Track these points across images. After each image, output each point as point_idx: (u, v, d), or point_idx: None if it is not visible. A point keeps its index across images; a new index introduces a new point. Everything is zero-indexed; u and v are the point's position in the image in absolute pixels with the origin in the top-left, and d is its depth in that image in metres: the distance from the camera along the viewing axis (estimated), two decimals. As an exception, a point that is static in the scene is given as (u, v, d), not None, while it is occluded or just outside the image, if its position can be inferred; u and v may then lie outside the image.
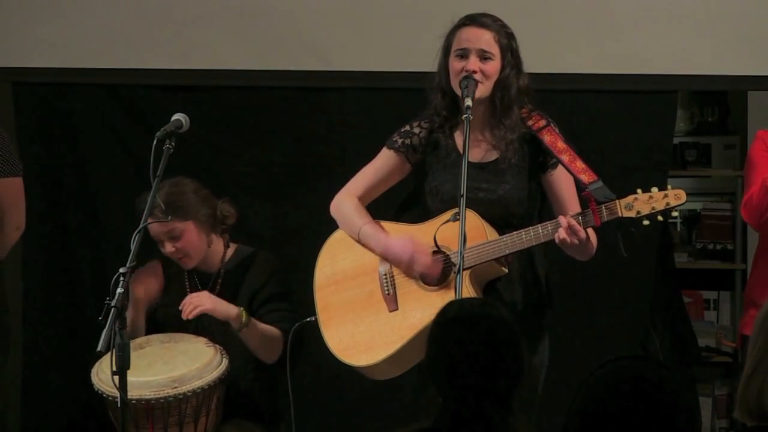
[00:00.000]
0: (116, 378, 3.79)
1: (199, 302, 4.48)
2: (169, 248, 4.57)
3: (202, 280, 4.67)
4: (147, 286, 4.62)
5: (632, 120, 5.36)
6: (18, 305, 5.63)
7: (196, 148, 5.16)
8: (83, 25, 5.47)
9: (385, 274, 4.29)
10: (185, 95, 5.38)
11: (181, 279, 4.69)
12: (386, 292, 4.29)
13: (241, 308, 4.50)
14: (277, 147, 5.51)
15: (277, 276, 4.64)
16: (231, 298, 4.56)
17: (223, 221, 4.66)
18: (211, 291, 4.61)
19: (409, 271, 4.24)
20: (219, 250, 4.68)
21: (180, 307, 4.50)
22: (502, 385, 3.11)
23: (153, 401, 4.27)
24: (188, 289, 4.66)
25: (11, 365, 5.58)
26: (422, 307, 4.20)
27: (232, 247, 4.71)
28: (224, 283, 4.64)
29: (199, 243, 4.60)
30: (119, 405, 3.84)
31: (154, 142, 4.08)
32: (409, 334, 4.20)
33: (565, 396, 2.94)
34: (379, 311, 4.28)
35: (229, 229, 4.71)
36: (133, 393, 4.16)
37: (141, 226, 3.98)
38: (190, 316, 4.47)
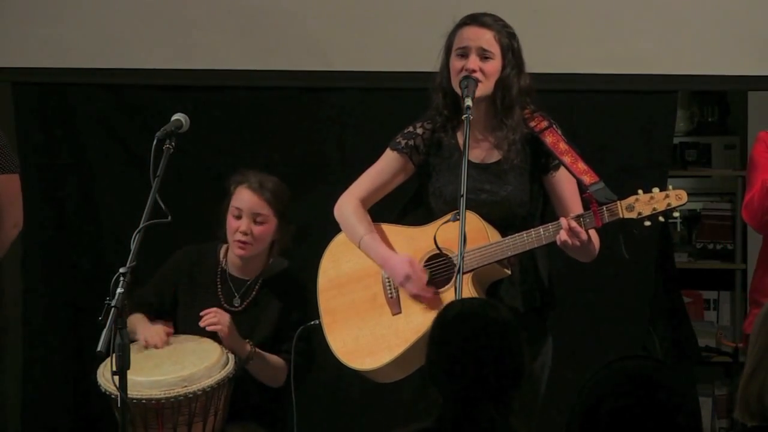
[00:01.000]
0: (116, 378, 3.79)
1: (220, 322, 4.46)
2: (244, 226, 4.50)
3: (237, 285, 4.63)
4: (157, 341, 4.50)
5: (632, 120, 5.36)
6: (18, 305, 5.64)
7: (196, 148, 5.16)
8: (83, 25, 5.48)
9: (389, 278, 4.29)
10: (185, 95, 5.38)
11: (213, 282, 4.64)
12: (389, 296, 4.29)
13: (251, 345, 4.50)
14: (277, 147, 5.50)
15: (308, 300, 4.56)
16: (260, 312, 4.56)
17: (282, 242, 4.63)
18: (244, 298, 4.59)
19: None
20: (263, 259, 4.63)
21: (201, 314, 4.48)
22: (502, 385, 3.11)
23: (163, 401, 4.27)
24: (219, 293, 4.62)
25: (11, 365, 5.59)
26: (425, 310, 4.20)
27: (270, 259, 4.67)
28: (260, 293, 4.61)
29: (266, 242, 4.57)
30: (120, 405, 3.84)
31: (154, 142, 4.08)
32: (412, 337, 4.20)
33: (566, 396, 2.94)
34: (382, 314, 4.28)
35: (276, 249, 4.66)
36: (143, 393, 4.19)
37: (141, 226, 3.98)
38: (208, 329, 4.46)
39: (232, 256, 4.62)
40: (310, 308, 4.49)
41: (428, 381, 3.19)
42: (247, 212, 4.52)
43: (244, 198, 4.53)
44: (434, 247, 4.18)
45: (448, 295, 4.17)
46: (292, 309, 4.58)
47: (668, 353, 5.73)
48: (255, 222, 4.53)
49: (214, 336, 4.51)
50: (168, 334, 4.51)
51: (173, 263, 4.68)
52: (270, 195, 4.53)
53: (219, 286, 4.63)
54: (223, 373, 4.38)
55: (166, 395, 4.28)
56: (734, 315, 6.37)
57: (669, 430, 2.69)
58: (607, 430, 2.70)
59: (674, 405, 2.71)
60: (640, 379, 2.73)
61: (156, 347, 4.43)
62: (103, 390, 4.33)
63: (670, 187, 4.09)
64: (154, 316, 4.62)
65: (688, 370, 5.84)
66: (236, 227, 4.53)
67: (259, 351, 4.52)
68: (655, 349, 5.61)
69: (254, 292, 4.61)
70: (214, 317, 4.46)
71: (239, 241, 4.53)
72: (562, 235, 4.06)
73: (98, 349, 3.77)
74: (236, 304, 4.60)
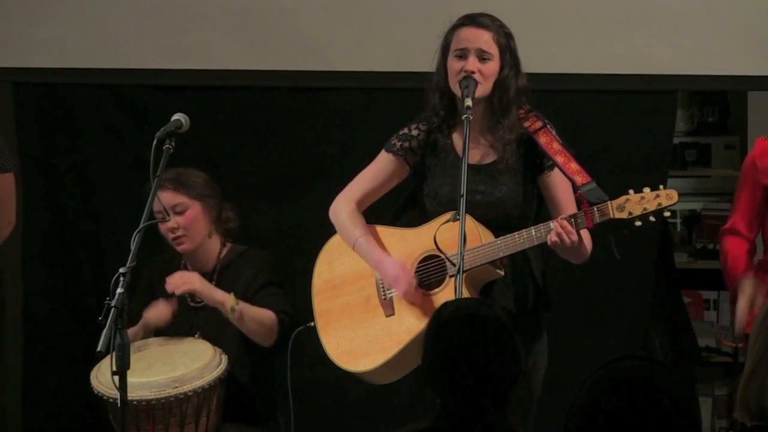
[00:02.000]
0: (116, 378, 3.79)
1: (189, 279, 4.50)
2: (171, 223, 4.55)
3: None
4: (161, 316, 4.58)
5: (632, 120, 5.36)
6: (18, 305, 5.64)
7: (196, 148, 5.16)
8: (83, 25, 5.48)
9: (382, 280, 4.29)
10: (185, 95, 5.38)
11: None
12: (383, 297, 4.29)
13: (231, 293, 4.50)
14: (277, 147, 5.51)
15: (269, 266, 4.66)
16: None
17: (226, 222, 4.67)
18: None
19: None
20: (216, 248, 4.69)
21: (167, 282, 4.51)
22: (499, 384, 3.11)
23: (154, 401, 4.27)
24: None
25: (11, 365, 5.59)
26: (419, 312, 4.21)
27: (227, 246, 4.71)
28: (219, 280, 4.64)
29: (201, 227, 4.61)
30: (119, 405, 3.84)
31: (154, 142, 4.08)
32: (406, 338, 4.20)
33: (564, 396, 2.94)
34: (375, 316, 4.28)
35: (228, 232, 4.71)
36: (133, 394, 4.16)
37: (141, 225, 3.98)
38: (177, 291, 4.49)
39: (186, 255, 4.69)
40: (272, 271, 4.58)
41: (424, 381, 3.20)
42: (169, 209, 4.56)
43: (162, 198, 4.54)
44: (428, 248, 4.19)
45: (439, 297, 4.17)
46: (252, 279, 4.59)
47: (668, 353, 5.73)
48: (177, 214, 4.57)
49: (209, 338, 4.52)
50: (170, 308, 4.55)
51: (148, 271, 4.73)
52: (177, 184, 4.58)
53: None
54: (215, 374, 4.38)
55: (157, 396, 4.28)
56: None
57: (669, 431, 2.69)
58: (605, 430, 2.70)
59: (674, 405, 2.71)
60: (640, 379, 2.73)
61: (167, 320, 4.49)
62: (96, 392, 4.33)
63: (661, 186, 4.09)
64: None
65: (688, 370, 5.84)
66: (166, 229, 4.59)
67: (244, 303, 4.52)
68: (655, 349, 5.61)
69: (213, 281, 4.63)
70: (180, 278, 4.50)
71: (173, 239, 4.59)
72: (552, 236, 4.06)
73: (98, 349, 3.77)
74: (198, 300, 4.62)
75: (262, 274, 4.62)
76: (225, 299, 4.49)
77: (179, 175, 4.58)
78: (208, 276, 4.64)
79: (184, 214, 4.58)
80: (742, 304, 4.56)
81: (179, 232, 4.58)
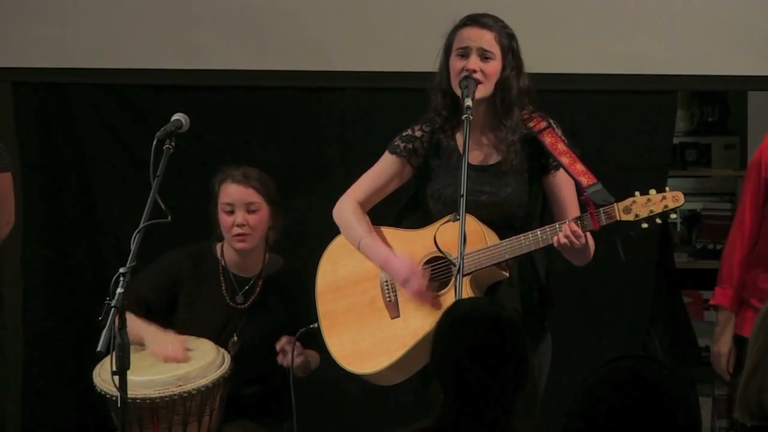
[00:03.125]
0: (116, 378, 3.79)
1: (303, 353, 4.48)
2: (240, 218, 4.51)
3: (240, 282, 4.63)
4: (171, 357, 4.45)
5: (632, 120, 5.36)
6: (18, 305, 5.64)
7: (196, 148, 5.16)
8: (83, 25, 5.48)
9: (387, 281, 4.29)
10: (185, 95, 5.38)
11: (216, 279, 4.63)
12: (388, 299, 4.29)
13: (317, 355, 4.54)
14: (277, 147, 5.51)
15: (310, 308, 4.55)
16: (267, 314, 4.56)
17: (275, 229, 4.64)
18: (248, 296, 4.60)
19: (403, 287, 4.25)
20: (261, 254, 4.65)
21: (278, 348, 4.46)
22: (509, 385, 3.12)
23: (158, 400, 4.27)
24: (224, 290, 4.61)
25: (11, 365, 5.59)
26: (424, 313, 4.20)
27: (267, 255, 4.68)
28: (264, 290, 4.62)
29: (263, 231, 4.59)
30: (120, 405, 3.84)
31: (154, 142, 4.08)
32: (411, 340, 4.20)
33: (565, 396, 2.94)
34: (381, 318, 4.28)
35: (271, 241, 4.67)
36: (137, 392, 4.17)
37: (141, 226, 3.97)
38: (288, 364, 4.45)
39: (230, 254, 4.62)
40: (312, 309, 4.49)
41: (434, 378, 3.19)
42: (239, 204, 4.54)
43: (232, 192, 4.55)
44: (432, 250, 4.18)
45: (447, 298, 4.17)
46: (298, 312, 4.56)
47: (668, 353, 5.72)
48: (249, 212, 4.55)
49: (246, 340, 4.54)
50: (183, 343, 4.45)
51: (174, 263, 4.66)
52: (256, 183, 4.56)
53: (223, 283, 4.63)
54: (218, 373, 4.37)
55: (161, 394, 4.27)
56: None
57: (668, 430, 2.69)
58: (606, 430, 2.70)
59: (674, 405, 2.71)
60: (640, 379, 2.73)
61: (177, 361, 4.38)
62: (99, 390, 4.33)
63: (667, 188, 4.09)
64: (142, 314, 4.56)
65: (688, 370, 5.83)
66: (231, 222, 4.54)
67: (311, 352, 4.53)
68: (655, 349, 5.60)
69: (258, 290, 4.61)
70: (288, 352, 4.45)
71: (238, 234, 4.54)
72: (561, 238, 4.05)
73: (98, 349, 3.77)
74: (239, 301, 4.61)
75: (312, 307, 4.51)
76: (315, 357, 4.54)
77: (253, 173, 4.56)
78: (250, 283, 4.61)
79: (256, 213, 4.55)
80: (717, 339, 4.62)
81: (246, 230, 4.53)
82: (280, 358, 4.47)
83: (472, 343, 3.13)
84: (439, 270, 4.23)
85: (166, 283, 4.63)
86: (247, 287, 4.62)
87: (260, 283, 4.63)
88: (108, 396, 4.31)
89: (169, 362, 4.37)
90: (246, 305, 4.60)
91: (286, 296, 4.61)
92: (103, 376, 4.35)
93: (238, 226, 4.53)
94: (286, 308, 4.59)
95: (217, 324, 4.58)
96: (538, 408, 4.27)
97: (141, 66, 5.48)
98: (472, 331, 3.15)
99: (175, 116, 4.23)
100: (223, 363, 4.41)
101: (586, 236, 4.08)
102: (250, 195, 4.55)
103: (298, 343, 4.44)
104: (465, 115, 4.12)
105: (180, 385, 4.30)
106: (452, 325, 3.19)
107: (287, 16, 5.38)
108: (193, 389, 4.30)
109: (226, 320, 4.58)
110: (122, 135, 5.56)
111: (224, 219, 4.55)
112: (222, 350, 4.47)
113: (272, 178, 4.65)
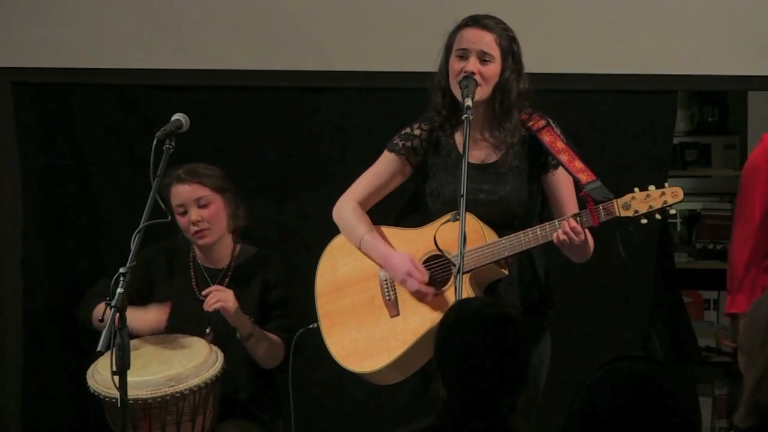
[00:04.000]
0: (116, 378, 3.78)
1: (224, 298, 4.47)
2: (194, 215, 4.54)
3: (210, 274, 4.66)
4: (155, 325, 4.54)
5: (632, 120, 5.36)
6: (18, 305, 5.64)
7: (196, 148, 5.16)
8: (83, 25, 5.48)
9: (386, 280, 4.29)
10: (185, 95, 5.38)
11: (187, 273, 4.67)
12: (387, 298, 4.29)
13: (251, 319, 4.50)
14: (277, 147, 5.51)
15: (282, 278, 4.65)
16: (239, 296, 4.55)
17: (237, 220, 4.66)
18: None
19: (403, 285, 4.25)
20: (230, 245, 4.67)
21: (203, 295, 4.49)
22: (511, 384, 3.13)
23: (150, 400, 4.26)
24: (194, 284, 4.64)
25: (11, 365, 5.58)
26: (423, 312, 4.20)
27: (239, 245, 4.71)
28: (233, 280, 4.63)
29: (222, 221, 4.60)
30: (120, 405, 3.83)
31: (154, 142, 4.09)
32: (411, 339, 4.20)
33: (565, 396, 2.94)
34: (380, 317, 4.28)
35: (236, 231, 4.71)
36: (129, 393, 4.13)
37: (141, 225, 3.98)
38: (210, 309, 4.47)
39: (199, 249, 4.66)
40: (291, 286, 4.54)
41: (435, 375, 3.19)
42: (190, 202, 4.56)
43: (180, 192, 4.56)
44: (432, 248, 4.18)
45: (446, 296, 4.17)
46: (271, 288, 4.60)
47: (668, 353, 5.72)
48: (200, 207, 4.57)
49: (219, 333, 4.52)
50: (164, 315, 4.52)
51: (150, 256, 4.68)
52: (201, 177, 4.57)
53: (193, 277, 4.66)
54: (211, 372, 4.37)
55: (153, 395, 4.27)
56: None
57: (668, 430, 2.69)
58: (605, 430, 2.70)
59: (674, 405, 2.71)
60: (640, 379, 2.73)
61: (161, 328, 4.46)
62: (92, 391, 4.32)
63: (666, 184, 4.09)
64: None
65: (688, 370, 5.83)
66: (187, 221, 4.58)
67: (260, 330, 4.52)
68: (655, 349, 5.60)
69: (227, 281, 4.63)
70: (215, 296, 4.47)
71: (196, 232, 4.57)
72: (560, 234, 4.06)
73: (98, 349, 3.78)
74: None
75: (280, 289, 4.61)
76: (246, 324, 4.49)
77: (196, 168, 4.58)
78: (221, 274, 4.64)
79: (208, 207, 4.57)
80: None
81: (203, 225, 4.56)
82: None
83: (482, 341, 3.13)
84: (439, 268, 4.23)
85: (141, 279, 4.62)
86: (218, 279, 4.64)
87: (229, 274, 4.64)
88: (102, 397, 4.31)
89: (154, 331, 4.45)
90: None
91: (255, 285, 4.61)
92: (96, 378, 4.35)
93: (194, 224, 4.56)
94: (254, 296, 4.59)
95: (190, 317, 4.59)
96: (537, 407, 4.27)
97: (141, 66, 5.47)
98: (481, 329, 3.15)
99: (175, 116, 4.23)
100: (216, 362, 4.41)
101: (585, 233, 4.09)
102: (197, 191, 4.56)
103: (224, 293, 4.45)
104: (465, 115, 4.12)
105: (172, 386, 4.29)
106: (460, 323, 3.19)
107: (286, 16, 5.38)
108: (186, 389, 4.30)
109: (197, 313, 4.58)
110: (122, 135, 5.56)
111: (180, 221, 4.59)
112: (215, 348, 4.47)
113: (218, 167, 4.66)
